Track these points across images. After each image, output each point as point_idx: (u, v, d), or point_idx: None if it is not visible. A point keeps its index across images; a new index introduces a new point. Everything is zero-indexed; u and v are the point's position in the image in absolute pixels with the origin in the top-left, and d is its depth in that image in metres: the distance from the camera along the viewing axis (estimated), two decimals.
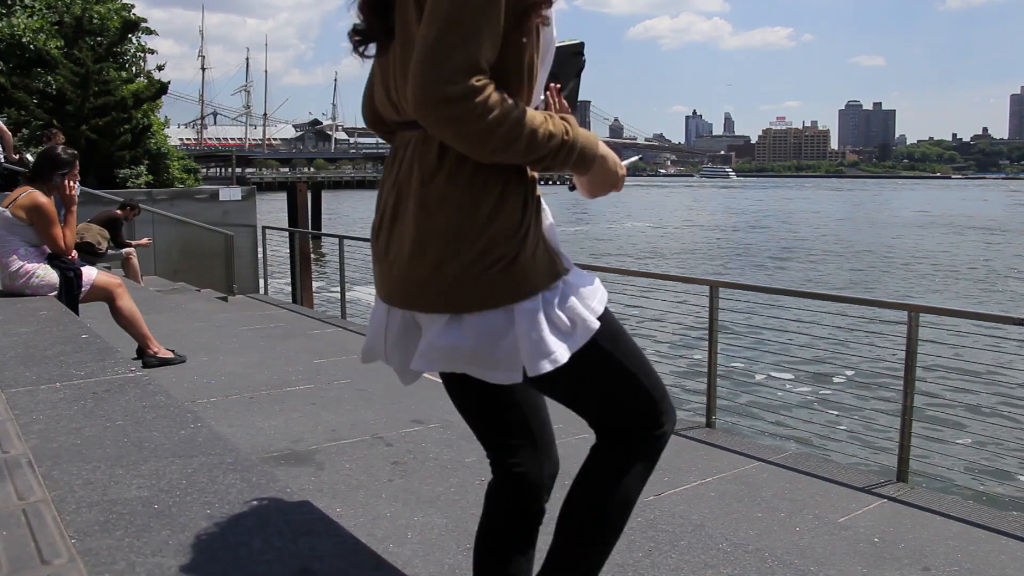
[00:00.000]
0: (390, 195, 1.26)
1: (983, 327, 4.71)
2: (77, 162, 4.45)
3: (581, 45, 1.41)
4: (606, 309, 1.27)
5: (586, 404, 1.32)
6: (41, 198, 4.25)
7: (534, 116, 1.13)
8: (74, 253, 4.49)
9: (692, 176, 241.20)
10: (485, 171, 1.16)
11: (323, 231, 19.37)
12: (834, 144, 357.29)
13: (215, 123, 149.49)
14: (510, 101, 1.11)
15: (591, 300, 1.24)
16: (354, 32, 1.29)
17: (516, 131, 1.10)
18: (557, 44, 1.27)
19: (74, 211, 4.42)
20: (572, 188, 1.33)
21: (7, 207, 4.28)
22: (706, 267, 21.83)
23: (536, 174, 1.24)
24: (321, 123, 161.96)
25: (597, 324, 1.23)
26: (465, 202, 1.17)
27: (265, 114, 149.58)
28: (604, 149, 1.25)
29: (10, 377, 2.91)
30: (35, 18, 14.83)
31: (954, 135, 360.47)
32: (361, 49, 1.30)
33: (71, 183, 4.37)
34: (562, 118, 1.19)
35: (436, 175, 1.18)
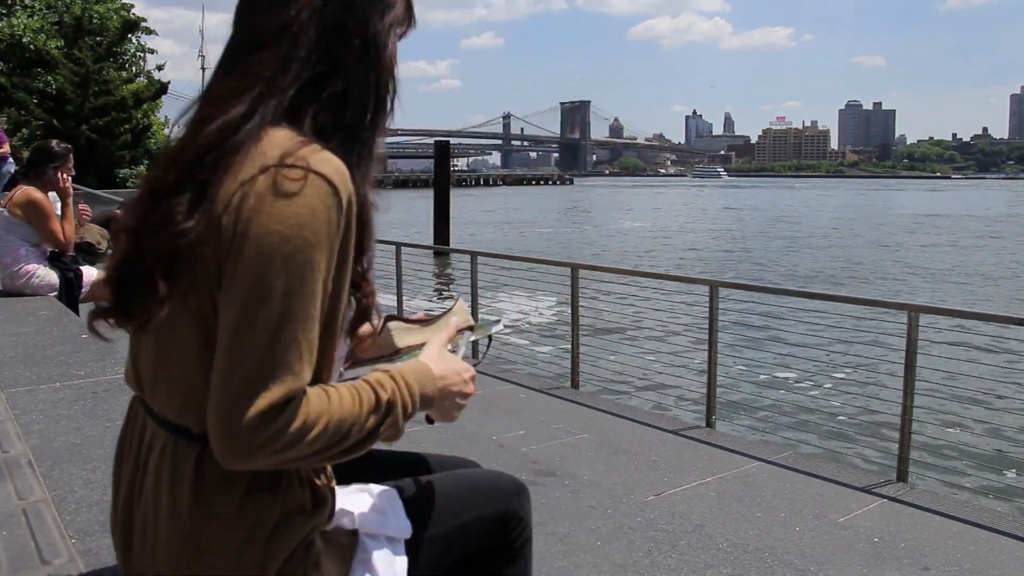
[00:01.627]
0: (134, 487, 1.04)
1: (983, 327, 4.71)
2: (70, 155, 4.44)
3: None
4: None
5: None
6: (36, 193, 4.24)
7: (352, 403, 0.92)
8: (71, 252, 4.48)
9: (686, 176, 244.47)
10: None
11: None
12: (834, 144, 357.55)
13: None
14: (324, 405, 0.90)
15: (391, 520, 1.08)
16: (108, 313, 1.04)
17: (339, 435, 0.90)
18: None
19: (70, 203, 4.41)
20: (431, 421, 1.14)
21: (5, 207, 4.27)
22: (677, 260, 21.84)
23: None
24: None
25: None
26: (236, 513, 0.94)
27: None
28: (441, 369, 1.04)
29: (10, 377, 2.91)
30: (35, 18, 14.83)
31: (954, 135, 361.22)
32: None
33: (64, 175, 4.35)
34: (383, 370, 0.98)
35: (202, 489, 0.95)
